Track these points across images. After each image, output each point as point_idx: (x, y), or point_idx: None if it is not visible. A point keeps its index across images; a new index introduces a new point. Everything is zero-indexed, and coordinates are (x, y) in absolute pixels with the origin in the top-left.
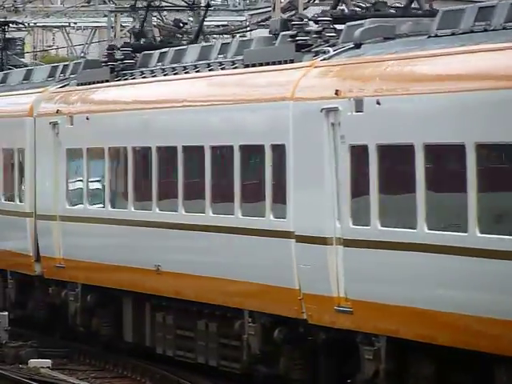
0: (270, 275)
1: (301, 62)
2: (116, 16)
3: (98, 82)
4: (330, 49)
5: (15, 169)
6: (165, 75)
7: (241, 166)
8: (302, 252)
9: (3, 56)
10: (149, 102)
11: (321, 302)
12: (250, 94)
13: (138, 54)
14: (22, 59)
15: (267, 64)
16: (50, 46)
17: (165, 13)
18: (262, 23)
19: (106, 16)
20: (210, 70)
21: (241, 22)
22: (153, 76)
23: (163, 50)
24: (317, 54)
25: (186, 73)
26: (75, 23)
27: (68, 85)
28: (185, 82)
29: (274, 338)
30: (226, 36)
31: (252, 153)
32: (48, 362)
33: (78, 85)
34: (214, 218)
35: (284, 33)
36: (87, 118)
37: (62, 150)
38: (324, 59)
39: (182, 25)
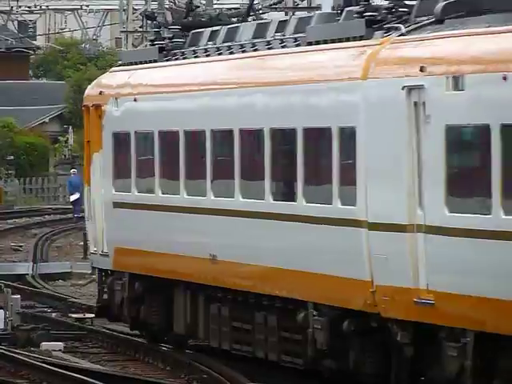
0: None
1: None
2: None
3: None
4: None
5: None
6: None
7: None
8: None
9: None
10: None
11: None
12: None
13: None
14: (33, 41)
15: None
16: (62, 29)
17: None
18: (274, 6)
19: None
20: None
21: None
22: None
23: None
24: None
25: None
26: (87, 6)
27: None
28: None
29: None
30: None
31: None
32: (60, 345)
33: None
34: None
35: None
36: None
37: None
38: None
39: (194, 7)
